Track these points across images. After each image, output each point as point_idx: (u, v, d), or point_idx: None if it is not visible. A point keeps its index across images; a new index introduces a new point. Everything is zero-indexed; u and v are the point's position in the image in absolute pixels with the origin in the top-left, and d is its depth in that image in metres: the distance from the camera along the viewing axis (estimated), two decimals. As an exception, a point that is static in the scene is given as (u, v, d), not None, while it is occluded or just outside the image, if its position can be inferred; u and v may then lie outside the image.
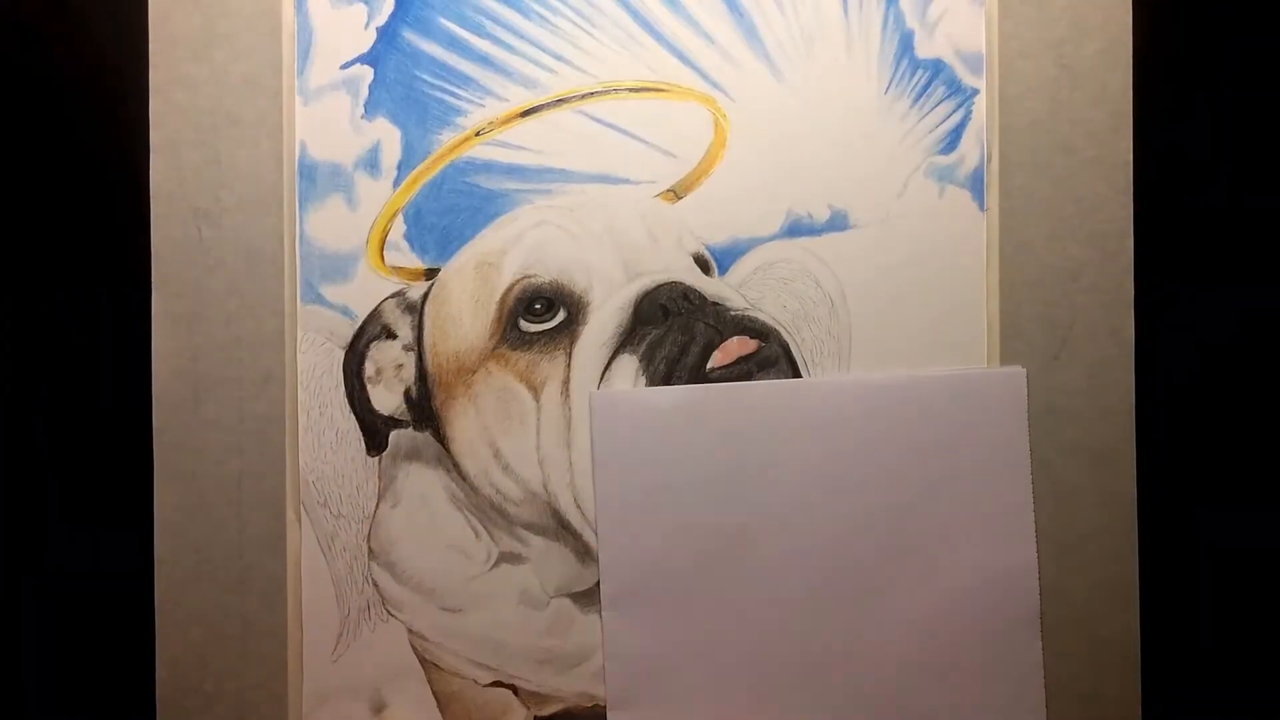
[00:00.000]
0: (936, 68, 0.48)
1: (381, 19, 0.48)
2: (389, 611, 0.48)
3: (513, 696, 0.49)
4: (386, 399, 0.48)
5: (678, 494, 0.46)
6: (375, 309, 0.48)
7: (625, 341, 0.46)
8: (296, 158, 0.48)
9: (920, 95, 0.48)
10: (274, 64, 0.48)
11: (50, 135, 0.52)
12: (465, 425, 0.47)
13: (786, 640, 0.47)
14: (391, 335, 0.48)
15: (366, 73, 0.48)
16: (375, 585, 0.48)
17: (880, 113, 0.48)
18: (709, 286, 0.47)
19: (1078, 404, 0.48)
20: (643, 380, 0.46)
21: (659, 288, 0.47)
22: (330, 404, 0.48)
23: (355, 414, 0.48)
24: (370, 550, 0.48)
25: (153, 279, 0.48)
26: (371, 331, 0.48)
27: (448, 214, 0.48)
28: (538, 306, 0.47)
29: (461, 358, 0.47)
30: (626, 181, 0.48)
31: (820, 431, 0.47)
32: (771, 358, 0.47)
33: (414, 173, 0.48)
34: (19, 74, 0.52)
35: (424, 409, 0.48)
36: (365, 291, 0.48)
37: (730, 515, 0.47)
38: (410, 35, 0.48)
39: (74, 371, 0.53)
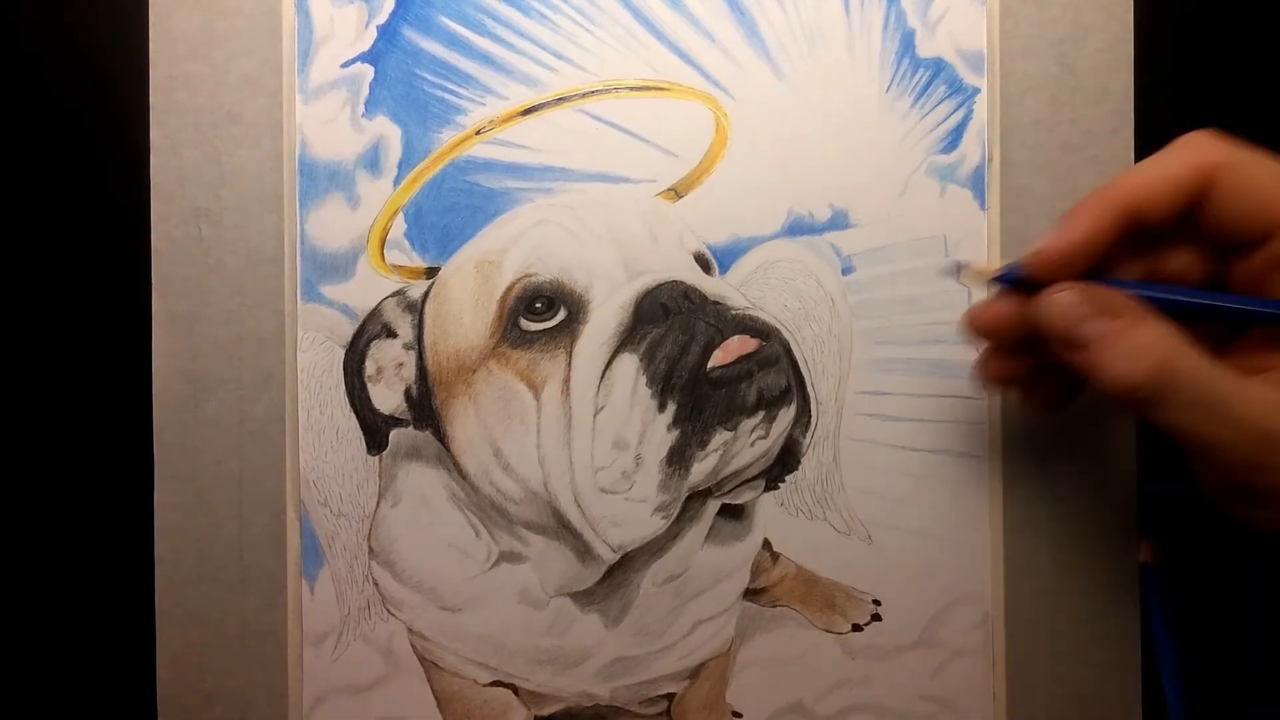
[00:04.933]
0: (937, 67, 0.48)
1: (382, 18, 0.48)
2: (389, 611, 0.48)
3: (513, 696, 0.49)
4: (387, 398, 0.48)
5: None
6: (376, 308, 0.48)
7: (626, 340, 0.46)
8: (297, 156, 0.48)
9: (921, 94, 0.48)
10: (274, 63, 0.48)
11: (49, 134, 0.52)
12: (465, 424, 0.47)
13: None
14: (392, 334, 0.48)
15: (367, 71, 0.47)
16: (375, 584, 0.48)
17: (881, 112, 0.48)
18: (710, 285, 0.47)
19: (1078, 404, 0.48)
20: (644, 379, 0.46)
21: (659, 286, 0.46)
22: (330, 403, 0.48)
23: (356, 413, 0.48)
24: (370, 549, 0.48)
25: (153, 279, 0.48)
26: (372, 330, 0.48)
27: (448, 213, 0.48)
28: (538, 305, 0.47)
29: (462, 356, 0.47)
30: (627, 180, 0.48)
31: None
32: (772, 357, 0.47)
33: (414, 171, 0.47)
34: (18, 73, 0.52)
35: (424, 408, 0.48)
36: (366, 290, 0.48)
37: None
38: (411, 34, 0.48)
39: (74, 371, 0.53)
